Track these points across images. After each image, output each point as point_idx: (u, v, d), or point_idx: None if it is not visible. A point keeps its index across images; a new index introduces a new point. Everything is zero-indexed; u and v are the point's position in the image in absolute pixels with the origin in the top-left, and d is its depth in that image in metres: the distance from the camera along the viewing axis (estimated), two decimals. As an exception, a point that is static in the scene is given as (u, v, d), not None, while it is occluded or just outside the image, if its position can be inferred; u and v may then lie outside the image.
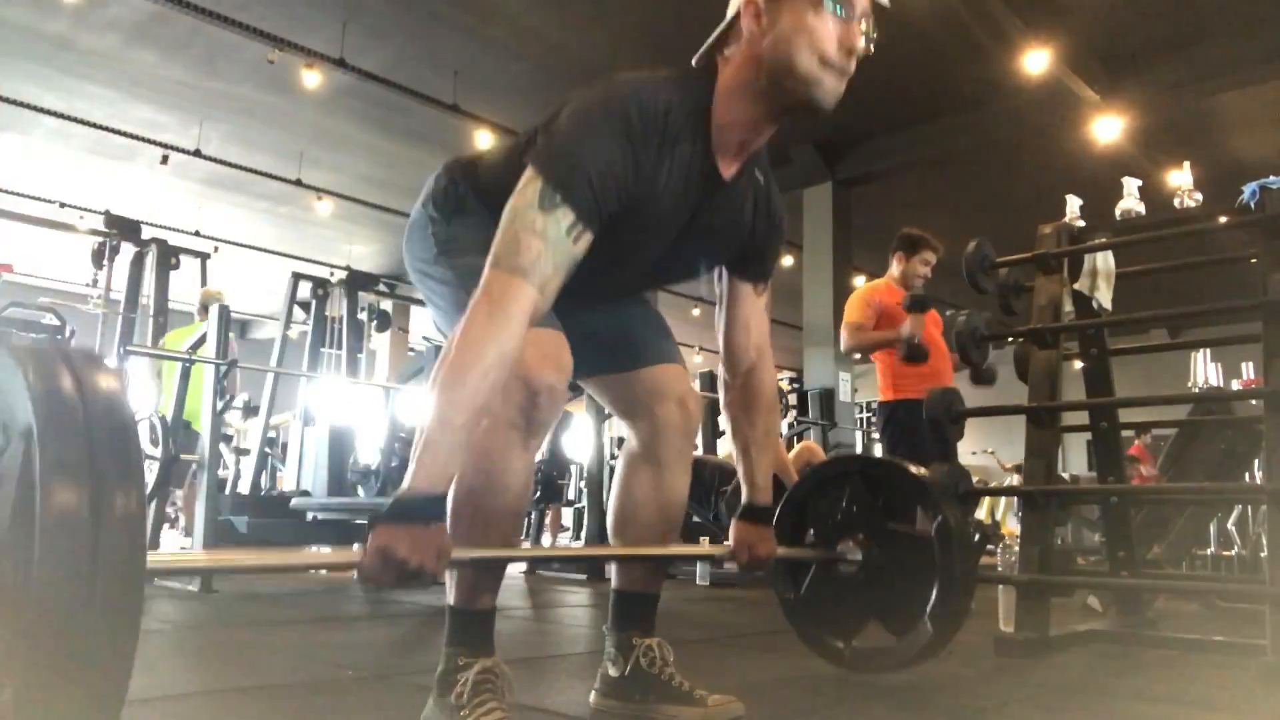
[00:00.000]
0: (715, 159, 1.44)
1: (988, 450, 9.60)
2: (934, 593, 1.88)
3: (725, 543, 1.74)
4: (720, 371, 1.74)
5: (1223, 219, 2.66)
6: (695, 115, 1.41)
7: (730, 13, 1.44)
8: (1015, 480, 9.01)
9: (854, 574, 1.95)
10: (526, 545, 6.21)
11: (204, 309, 5.71)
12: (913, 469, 2.04)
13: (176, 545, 5.58)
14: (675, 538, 1.70)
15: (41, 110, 8.20)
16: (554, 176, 1.29)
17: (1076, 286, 2.89)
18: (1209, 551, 4.82)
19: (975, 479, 3.27)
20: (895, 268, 4.09)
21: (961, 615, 1.93)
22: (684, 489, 1.66)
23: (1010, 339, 3.09)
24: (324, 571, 5.41)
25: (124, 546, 0.88)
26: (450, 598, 1.43)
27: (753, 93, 1.41)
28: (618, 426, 1.87)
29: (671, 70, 1.45)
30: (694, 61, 1.49)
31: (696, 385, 6.77)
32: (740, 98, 1.41)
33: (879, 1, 1.42)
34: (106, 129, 8.55)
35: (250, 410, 6.79)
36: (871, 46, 1.41)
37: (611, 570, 1.69)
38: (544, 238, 1.26)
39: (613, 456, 5.49)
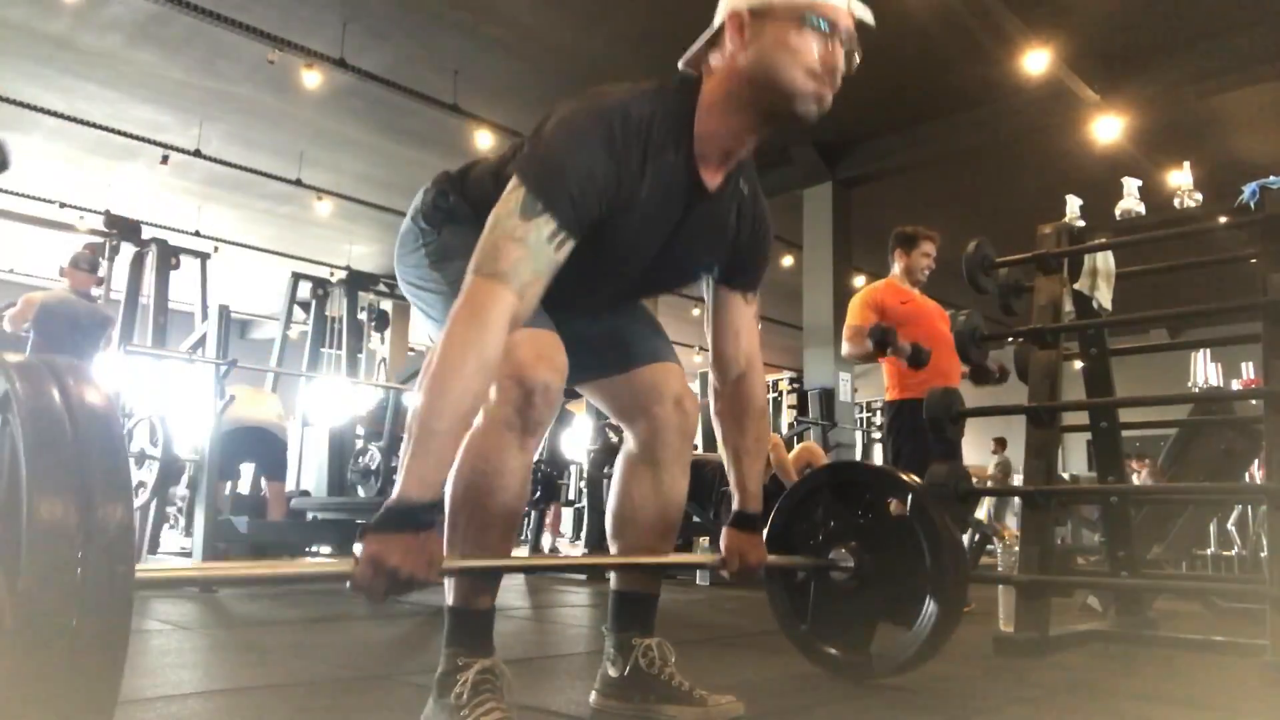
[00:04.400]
0: (698, 169, 1.44)
1: None
2: (928, 565, 1.88)
3: (717, 552, 1.72)
4: (710, 379, 1.74)
5: (1223, 219, 2.66)
6: (678, 126, 1.42)
7: (715, 23, 1.44)
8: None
9: (852, 580, 1.95)
10: (524, 547, 6.21)
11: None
12: (871, 465, 2.08)
13: (177, 545, 5.58)
14: (674, 539, 1.70)
15: (41, 110, 8.20)
16: (536, 185, 1.30)
17: (1076, 286, 2.89)
18: (1209, 551, 4.82)
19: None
20: (897, 265, 4.08)
21: (961, 581, 1.92)
22: (683, 490, 1.66)
23: (1010, 339, 3.09)
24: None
25: (111, 561, 0.88)
26: (449, 598, 1.44)
27: (735, 104, 1.41)
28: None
29: (655, 81, 1.46)
30: (679, 65, 1.49)
31: (695, 386, 6.78)
32: (723, 108, 1.42)
33: (863, 20, 1.43)
34: (106, 129, 8.55)
35: None
36: (854, 65, 1.42)
37: (611, 570, 1.69)
38: (524, 244, 1.27)
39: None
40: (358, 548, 1.16)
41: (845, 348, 3.97)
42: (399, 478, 1.20)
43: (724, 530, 1.72)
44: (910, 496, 1.93)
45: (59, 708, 0.85)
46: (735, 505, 1.73)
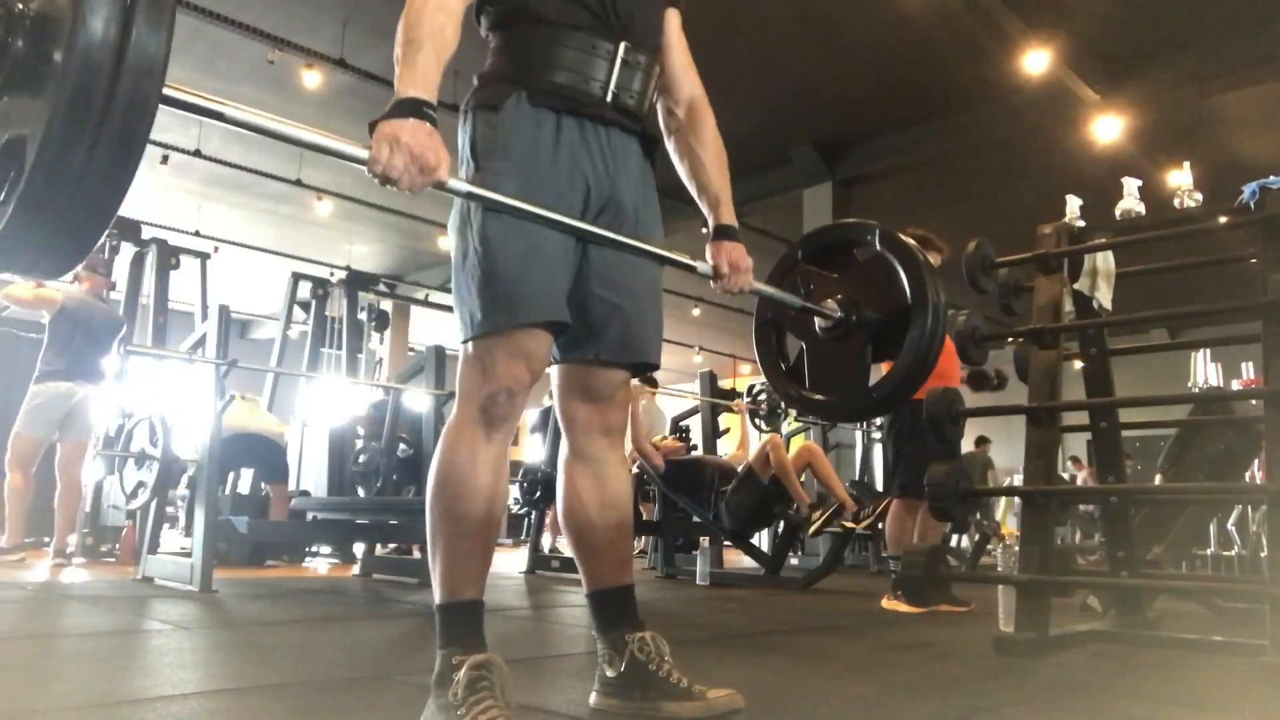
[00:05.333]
0: None
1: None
2: (906, 282, 1.93)
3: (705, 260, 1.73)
4: (660, 103, 1.76)
5: (1223, 219, 2.66)
6: None
7: None
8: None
9: (840, 326, 1.98)
10: (524, 548, 6.21)
11: None
12: (828, 225, 2.20)
13: (177, 545, 5.58)
14: (629, 528, 1.68)
15: (41, 110, 8.20)
16: None
17: (1076, 286, 2.89)
18: (1209, 551, 4.82)
19: None
20: None
21: (938, 289, 1.96)
22: (624, 481, 1.66)
23: (1010, 339, 3.09)
24: (323, 571, 5.41)
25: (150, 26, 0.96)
26: (437, 596, 1.46)
27: None
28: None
29: None
30: None
31: (695, 386, 6.76)
32: None
33: None
34: (106, 129, 8.54)
35: None
36: None
37: (581, 576, 1.67)
38: None
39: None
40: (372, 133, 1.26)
41: None
42: (397, 85, 1.31)
43: (708, 245, 1.74)
44: (875, 233, 2.00)
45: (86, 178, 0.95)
46: (711, 220, 1.75)
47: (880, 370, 2.10)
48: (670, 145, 1.77)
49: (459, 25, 1.42)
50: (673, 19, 1.74)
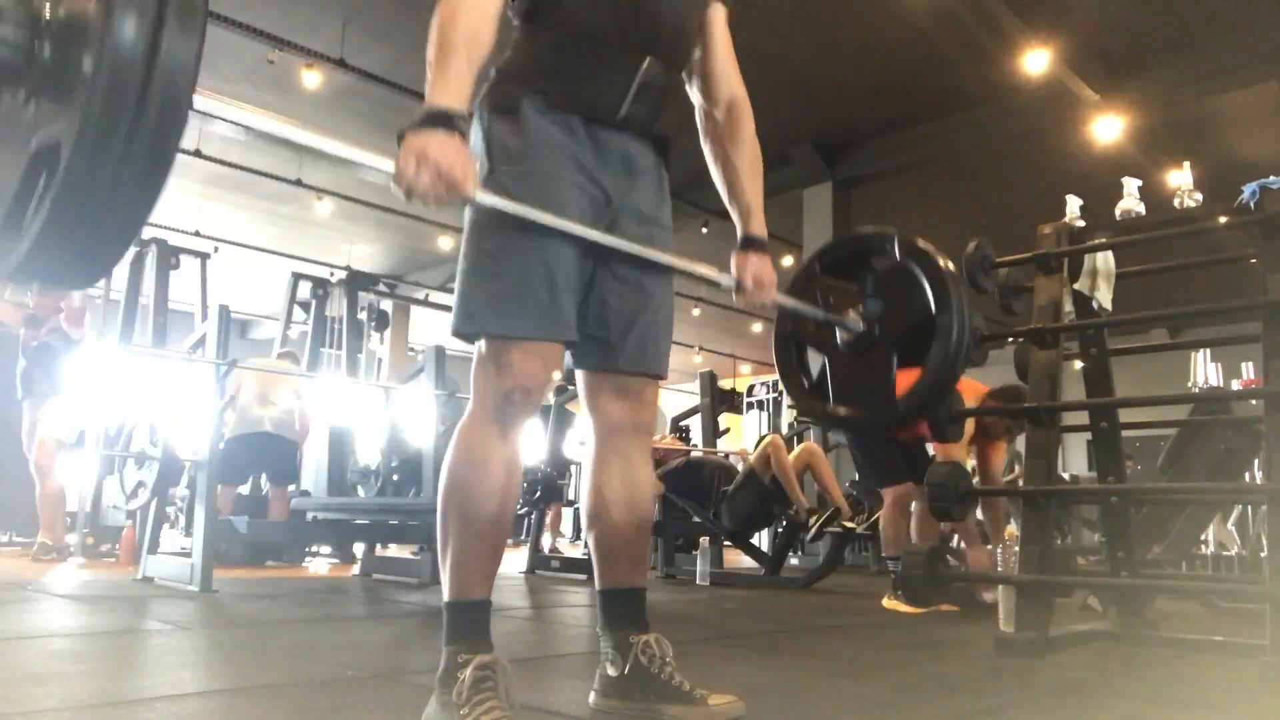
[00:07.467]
0: None
1: None
2: (930, 290, 1.90)
3: (728, 272, 1.70)
4: (699, 103, 1.75)
5: (1223, 219, 2.66)
6: None
7: None
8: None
9: (864, 337, 1.95)
10: (524, 547, 6.21)
11: None
12: (850, 234, 2.16)
13: (177, 545, 5.58)
14: (648, 531, 1.70)
15: (41, 110, 8.20)
16: None
17: (1076, 286, 2.89)
18: (1209, 551, 4.82)
19: None
20: None
21: (962, 298, 1.93)
22: (648, 479, 1.67)
23: (1010, 339, 3.09)
24: (323, 571, 5.41)
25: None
26: (445, 593, 1.46)
27: None
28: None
29: None
30: None
31: (695, 386, 6.76)
32: None
33: None
34: (106, 129, 8.54)
35: None
36: None
37: (595, 572, 1.69)
38: None
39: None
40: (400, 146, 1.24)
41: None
42: (428, 94, 1.29)
43: (733, 255, 1.72)
44: (896, 240, 1.96)
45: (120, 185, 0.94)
46: (740, 229, 1.73)
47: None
48: (705, 147, 1.75)
49: (495, 25, 1.39)
50: (716, 16, 1.71)
